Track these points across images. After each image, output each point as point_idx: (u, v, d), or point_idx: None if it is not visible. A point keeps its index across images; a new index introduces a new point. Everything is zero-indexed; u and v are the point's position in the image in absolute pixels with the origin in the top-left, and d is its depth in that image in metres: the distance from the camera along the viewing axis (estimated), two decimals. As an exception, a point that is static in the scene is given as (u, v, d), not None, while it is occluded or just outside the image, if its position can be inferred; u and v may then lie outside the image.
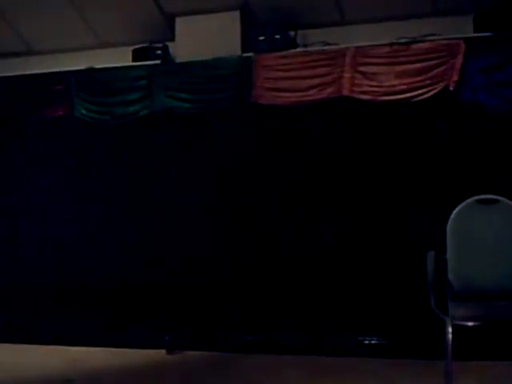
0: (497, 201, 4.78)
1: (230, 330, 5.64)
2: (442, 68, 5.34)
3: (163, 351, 5.55)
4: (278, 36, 5.77)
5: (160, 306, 5.77)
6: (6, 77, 6.29)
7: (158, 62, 6.02)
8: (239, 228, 5.77)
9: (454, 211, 4.79)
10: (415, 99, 5.38)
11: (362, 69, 5.50)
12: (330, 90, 5.54)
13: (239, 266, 5.73)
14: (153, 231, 5.94)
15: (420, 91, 5.38)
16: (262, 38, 5.79)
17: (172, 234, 5.89)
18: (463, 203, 4.80)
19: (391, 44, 5.47)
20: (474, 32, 5.37)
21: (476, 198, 4.81)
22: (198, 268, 5.80)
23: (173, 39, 6.06)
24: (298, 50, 5.74)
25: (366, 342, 5.42)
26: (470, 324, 4.44)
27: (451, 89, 5.30)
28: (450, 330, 4.32)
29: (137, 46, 6.11)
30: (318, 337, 5.44)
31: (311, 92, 5.58)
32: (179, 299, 5.76)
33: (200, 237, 5.84)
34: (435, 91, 5.35)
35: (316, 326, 5.48)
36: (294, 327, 5.50)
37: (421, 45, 5.42)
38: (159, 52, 6.04)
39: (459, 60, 5.28)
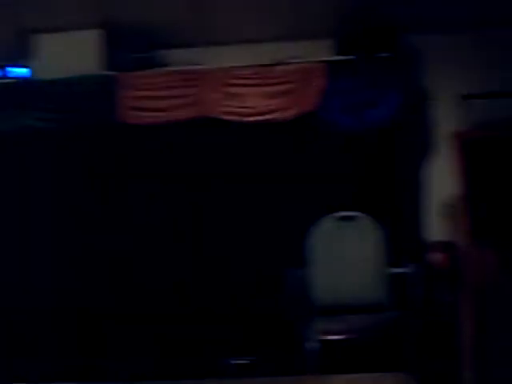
0: (355, 217, 5.07)
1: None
2: (305, 90, 5.61)
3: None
4: (142, 55, 5.85)
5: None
6: None
7: (16, 80, 5.97)
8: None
9: (315, 228, 5.03)
10: (279, 119, 5.61)
11: (227, 89, 5.69)
12: (195, 109, 5.68)
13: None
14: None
15: (283, 112, 5.62)
16: (126, 56, 5.84)
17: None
18: (323, 219, 5.05)
19: (256, 66, 5.70)
20: (336, 56, 5.66)
21: (336, 214, 5.09)
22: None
23: (34, 57, 6.03)
24: (163, 69, 5.85)
25: (235, 362, 5.50)
26: (332, 338, 4.66)
27: (313, 110, 5.57)
28: (312, 344, 4.52)
29: (-6, 64, 6.06)
30: (184, 360, 5.51)
31: (176, 112, 5.70)
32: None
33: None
34: (298, 112, 5.60)
35: (181, 350, 5.56)
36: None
37: (285, 67, 5.68)
38: (19, 70, 6.01)
39: (322, 82, 5.57)
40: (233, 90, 5.69)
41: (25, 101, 5.89)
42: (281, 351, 5.30)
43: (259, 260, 5.54)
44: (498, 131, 5.07)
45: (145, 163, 5.82)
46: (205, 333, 5.50)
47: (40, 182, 5.90)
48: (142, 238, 5.75)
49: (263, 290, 5.41)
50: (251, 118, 5.64)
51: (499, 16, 5.65)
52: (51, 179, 5.90)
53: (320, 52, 5.71)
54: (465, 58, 5.73)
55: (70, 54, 5.86)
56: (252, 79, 5.69)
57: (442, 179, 5.52)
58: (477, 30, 5.70)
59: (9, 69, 6.00)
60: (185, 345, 5.55)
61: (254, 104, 5.65)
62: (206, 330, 5.51)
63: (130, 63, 5.84)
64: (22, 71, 6.00)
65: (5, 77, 5.99)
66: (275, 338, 5.32)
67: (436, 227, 5.53)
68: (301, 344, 4.67)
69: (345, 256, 5.00)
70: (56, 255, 5.83)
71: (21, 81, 5.98)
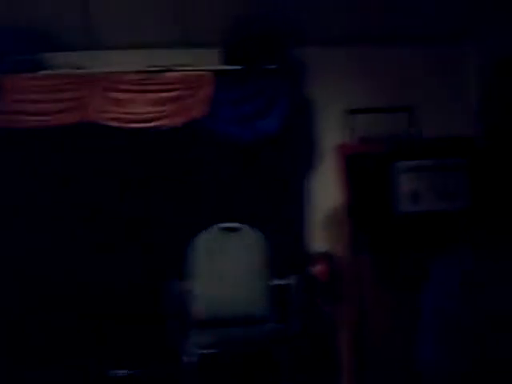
0: (239, 228, 5.09)
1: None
2: (192, 98, 5.60)
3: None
4: (26, 57, 5.69)
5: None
6: None
7: None
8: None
9: (198, 239, 5.02)
10: (165, 127, 5.58)
11: (111, 95, 5.61)
12: (79, 114, 5.57)
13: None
14: None
15: (170, 120, 5.59)
16: (9, 58, 5.69)
17: None
18: (207, 231, 5.04)
19: (142, 71, 5.65)
20: (225, 64, 5.66)
21: (219, 225, 5.09)
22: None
23: None
24: (48, 72, 5.73)
25: (114, 374, 5.44)
26: (211, 351, 4.65)
27: (200, 119, 5.56)
28: (191, 358, 4.49)
29: None
30: (58, 370, 5.40)
31: (60, 116, 5.59)
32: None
33: None
34: (185, 120, 5.59)
35: (61, 360, 5.44)
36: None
37: (172, 74, 5.66)
38: None
39: (209, 91, 5.57)
40: (118, 95, 5.61)
41: None
42: (161, 364, 5.26)
43: (140, 271, 5.48)
44: (380, 146, 5.18)
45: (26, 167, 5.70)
46: (82, 342, 5.41)
47: None
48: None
49: (145, 301, 5.36)
50: (136, 125, 5.58)
51: (385, 32, 5.81)
52: None
53: (209, 61, 5.70)
54: (351, 73, 5.86)
55: None
56: (138, 85, 5.63)
57: (325, 191, 5.61)
58: (364, 45, 5.84)
59: None
60: (59, 353, 5.43)
61: (140, 110, 5.59)
62: (84, 339, 5.42)
63: (13, 65, 5.69)
64: None
65: None
66: (156, 350, 5.28)
67: (319, 239, 5.62)
68: (180, 357, 4.64)
69: (227, 267, 5.01)
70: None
71: None
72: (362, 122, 5.72)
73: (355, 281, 4.89)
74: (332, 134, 5.65)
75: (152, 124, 5.57)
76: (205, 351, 4.61)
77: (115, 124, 5.57)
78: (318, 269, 5.28)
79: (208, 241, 5.02)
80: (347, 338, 4.99)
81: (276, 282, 5.11)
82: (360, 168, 5.06)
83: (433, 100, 5.87)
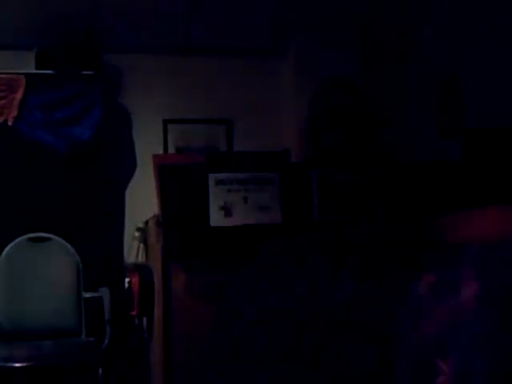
0: (48, 239, 5.14)
1: None
2: (2, 101, 5.59)
3: None
4: None
5: None
6: None
7: None
8: None
9: (5, 250, 5.03)
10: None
11: None
12: None
13: None
14: None
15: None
16: None
17: None
18: (14, 242, 5.06)
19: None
20: (36, 68, 5.66)
21: (27, 236, 5.11)
22: None
23: None
24: None
25: None
26: (16, 365, 4.68)
27: (10, 124, 5.56)
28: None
29: None
30: None
31: None
32: None
33: None
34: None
35: None
36: None
37: (-19, 77, 5.61)
38: None
39: (19, 95, 5.56)
40: None
41: None
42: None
43: None
44: (195, 157, 5.38)
45: None
46: None
47: None
48: None
49: None
50: None
51: (206, 43, 6.02)
52: None
53: (22, 63, 5.70)
54: (167, 83, 6.01)
55: None
56: None
57: (144, 202, 5.72)
58: (185, 55, 6.04)
59: None
60: None
61: None
62: None
63: None
64: None
65: None
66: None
67: (133, 250, 5.75)
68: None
69: (35, 280, 5.03)
70: None
71: None
72: (181, 133, 5.91)
73: (166, 293, 5.04)
74: (150, 144, 5.80)
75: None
76: (12, 365, 4.62)
77: None
78: (131, 280, 5.39)
79: (14, 252, 5.03)
80: (158, 350, 5.13)
81: (88, 294, 5.19)
82: (173, 179, 5.20)
83: (252, 113, 6.13)
